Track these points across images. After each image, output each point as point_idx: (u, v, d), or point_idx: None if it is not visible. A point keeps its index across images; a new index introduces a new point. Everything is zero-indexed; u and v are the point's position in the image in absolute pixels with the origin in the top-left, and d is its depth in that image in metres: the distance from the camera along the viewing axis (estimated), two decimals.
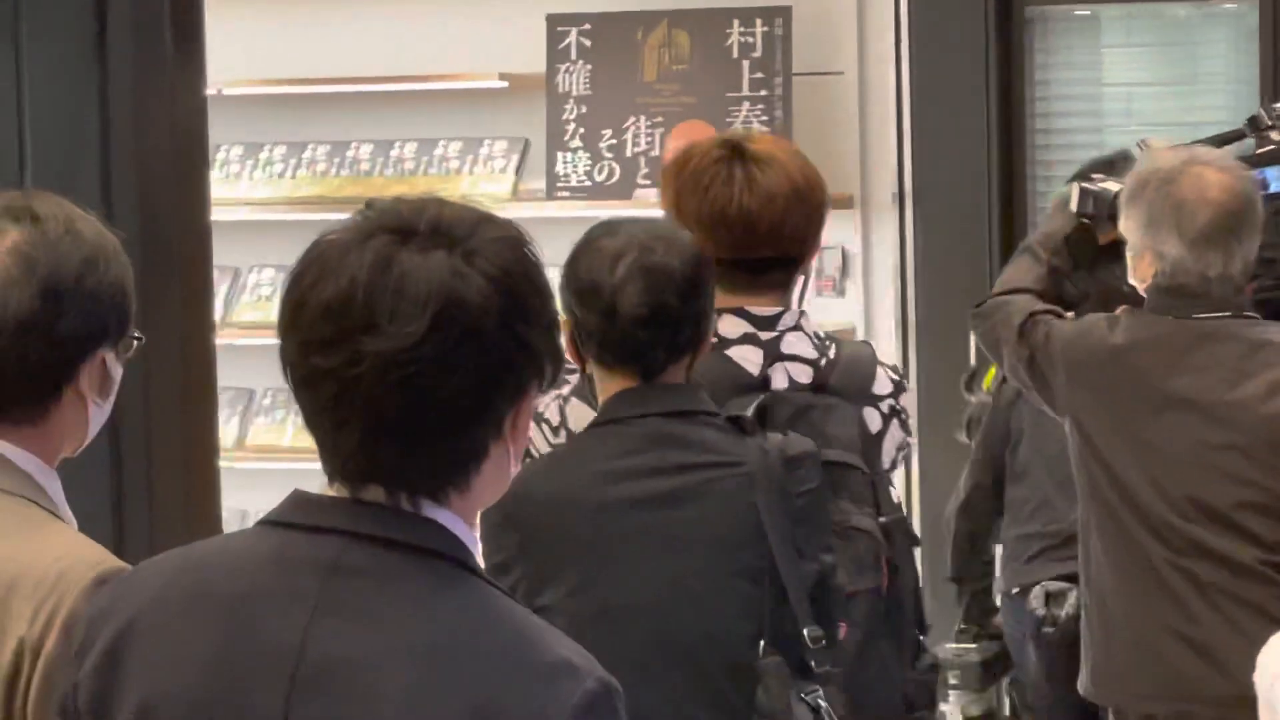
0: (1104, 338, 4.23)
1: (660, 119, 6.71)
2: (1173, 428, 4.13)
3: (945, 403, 6.38)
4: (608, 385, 3.45)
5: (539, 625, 2.13)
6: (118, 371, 2.67)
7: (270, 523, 2.12)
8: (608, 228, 3.54)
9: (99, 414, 2.66)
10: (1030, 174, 6.53)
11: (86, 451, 2.95)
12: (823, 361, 3.75)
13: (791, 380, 3.70)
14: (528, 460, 3.55)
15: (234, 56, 6.55)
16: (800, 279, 3.85)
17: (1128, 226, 4.26)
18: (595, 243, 3.48)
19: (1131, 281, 4.32)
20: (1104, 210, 4.62)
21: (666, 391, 3.38)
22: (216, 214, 5.19)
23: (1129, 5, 7.17)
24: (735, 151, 3.68)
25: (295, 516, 2.09)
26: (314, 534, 2.07)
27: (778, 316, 3.72)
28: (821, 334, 3.81)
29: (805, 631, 3.39)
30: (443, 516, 2.03)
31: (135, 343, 2.69)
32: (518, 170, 6.83)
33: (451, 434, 2.02)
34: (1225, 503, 4.06)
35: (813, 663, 3.42)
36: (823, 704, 3.35)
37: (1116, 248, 4.59)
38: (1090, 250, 4.78)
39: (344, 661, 2.06)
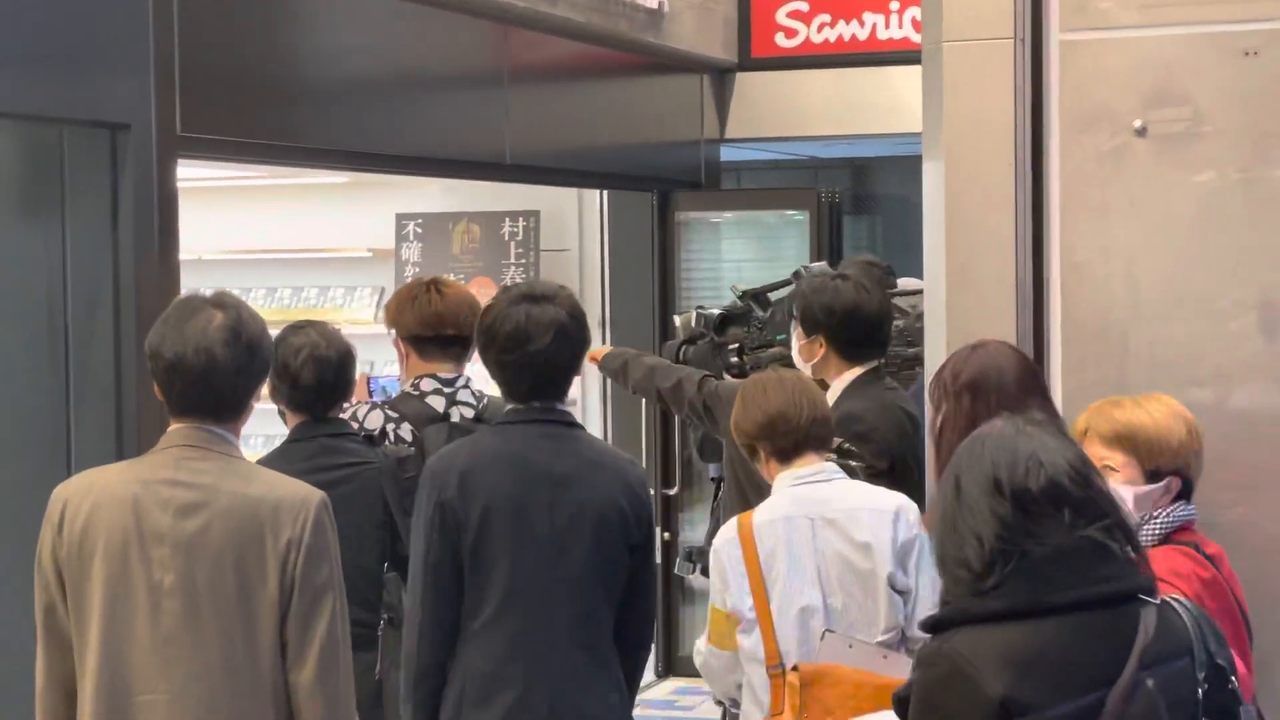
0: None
1: (463, 275, 8.50)
2: None
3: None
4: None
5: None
6: None
7: (500, 424, 3.87)
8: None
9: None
10: (680, 311, 7.83)
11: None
12: (479, 405, 5.01)
13: (462, 416, 4.99)
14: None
15: (210, 233, 8.69)
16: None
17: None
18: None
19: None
20: (708, 325, 5.85)
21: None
22: None
23: (739, 213, 9.51)
24: (431, 284, 5.06)
25: (514, 418, 3.84)
26: (526, 425, 3.89)
27: (456, 378, 4.99)
28: (478, 391, 4.97)
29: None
30: (563, 412, 3.87)
31: None
32: (378, 306, 8.66)
33: (568, 379, 3.90)
34: None
35: None
36: None
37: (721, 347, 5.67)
38: (705, 352, 5.76)
39: (566, 473, 3.85)
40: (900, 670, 3.66)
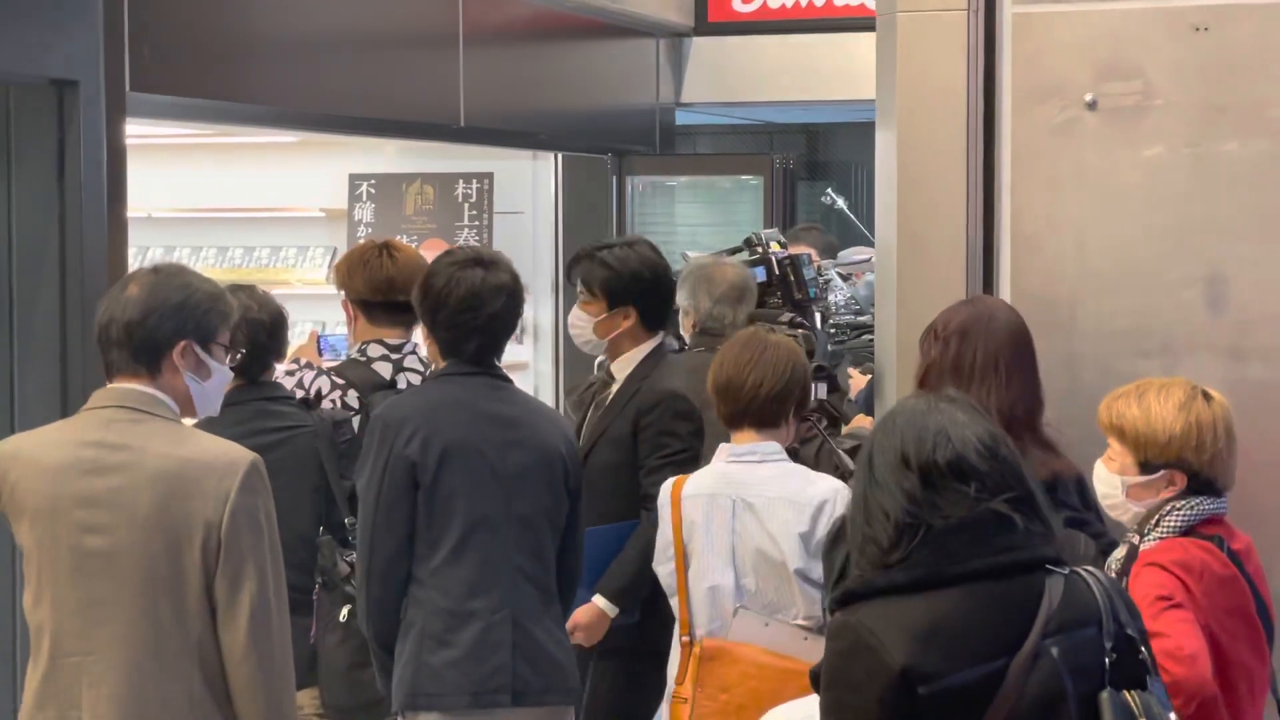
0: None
1: (416, 237, 8.47)
2: None
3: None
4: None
5: None
6: (214, 365, 3.40)
7: (438, 376, 4.06)
8: None
9: (197, 389, 3.40)
10: None
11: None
12: (426, 372, 4.86)
13: (409, 383, 4.91)
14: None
15: (161, 191, 8.64)
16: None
17: (680, 296, 5.18)
18: None
19: (682, 333, 5.27)
20: None
21: None
22: None
23: (694, 177, 9.67)
24: (384, 247, 4.99)
25: (456, 370, 4.06)
26: (468, 377, 4.12)
27: (404, 344, 4.97)
28: (424, 357, 4.84)
29: (346, 520, 4.59)
30: (499, 368, 4.10)
31: (226, 350, 3.42)
32: (330, 267, 8.56)
33: (507, 340, 4.12)
34: None
35: (352, 538, 4.49)
36: None
37: None
38: None
39: (514, 416, 4.10)
40: (820, 654, 3.69)
